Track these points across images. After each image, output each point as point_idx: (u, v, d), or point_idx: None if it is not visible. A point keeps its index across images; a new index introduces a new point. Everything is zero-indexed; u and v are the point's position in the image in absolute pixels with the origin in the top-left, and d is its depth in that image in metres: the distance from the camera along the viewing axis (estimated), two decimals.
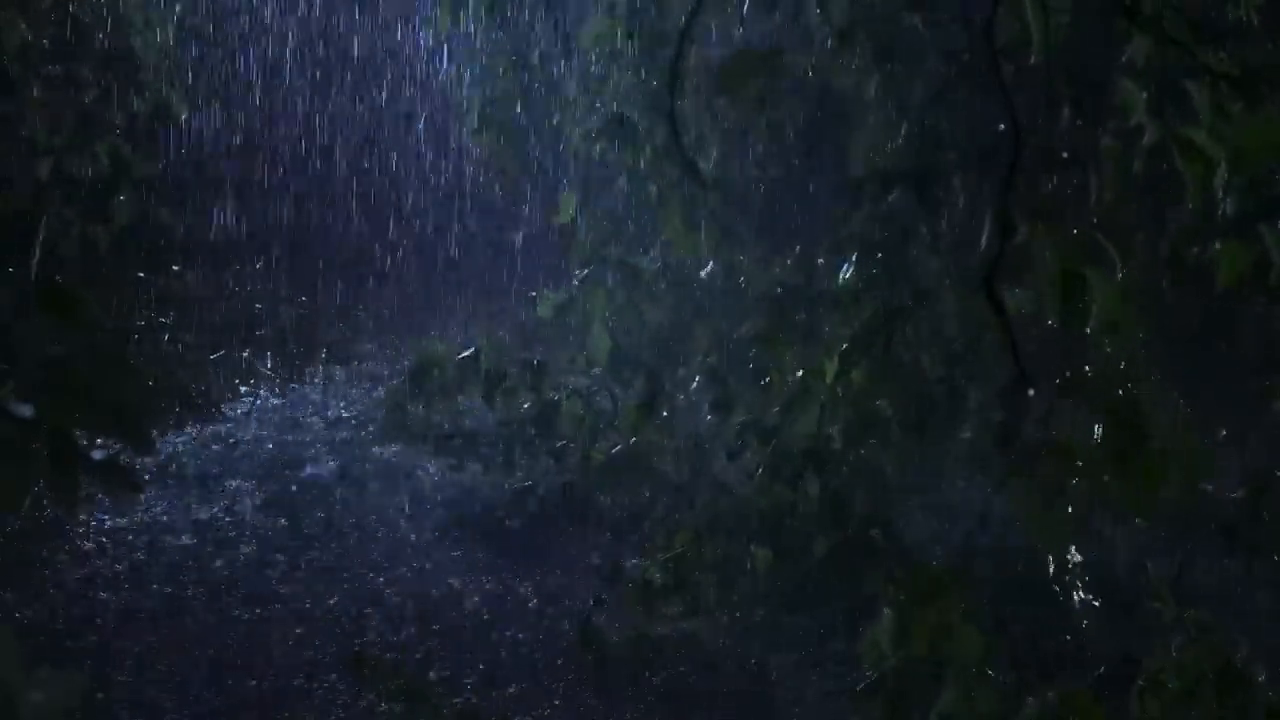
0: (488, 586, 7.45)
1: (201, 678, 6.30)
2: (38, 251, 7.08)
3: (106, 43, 7.98)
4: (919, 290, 5.93)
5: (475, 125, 9.57)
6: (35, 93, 7.49)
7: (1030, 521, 2.92)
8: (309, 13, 12.73)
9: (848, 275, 5.86)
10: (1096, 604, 6.27)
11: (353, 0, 12.87)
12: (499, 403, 8.22)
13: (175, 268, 9.84)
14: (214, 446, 9.34)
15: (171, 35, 8.74)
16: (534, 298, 8.90)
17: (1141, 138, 3.33)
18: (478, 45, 9.61)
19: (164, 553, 7.61)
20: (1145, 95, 3.20)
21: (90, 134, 7.63)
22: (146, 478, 8.26)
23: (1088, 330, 2.95)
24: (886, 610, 3.17)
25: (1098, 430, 2.90)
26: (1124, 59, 3.49)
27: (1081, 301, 2.92)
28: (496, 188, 10.67)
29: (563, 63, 9.16)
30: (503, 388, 8.12)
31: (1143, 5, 3.07)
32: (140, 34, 8.09)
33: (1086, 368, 4.14)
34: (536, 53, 9.35)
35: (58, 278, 7.04)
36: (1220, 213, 3.52)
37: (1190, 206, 3.08)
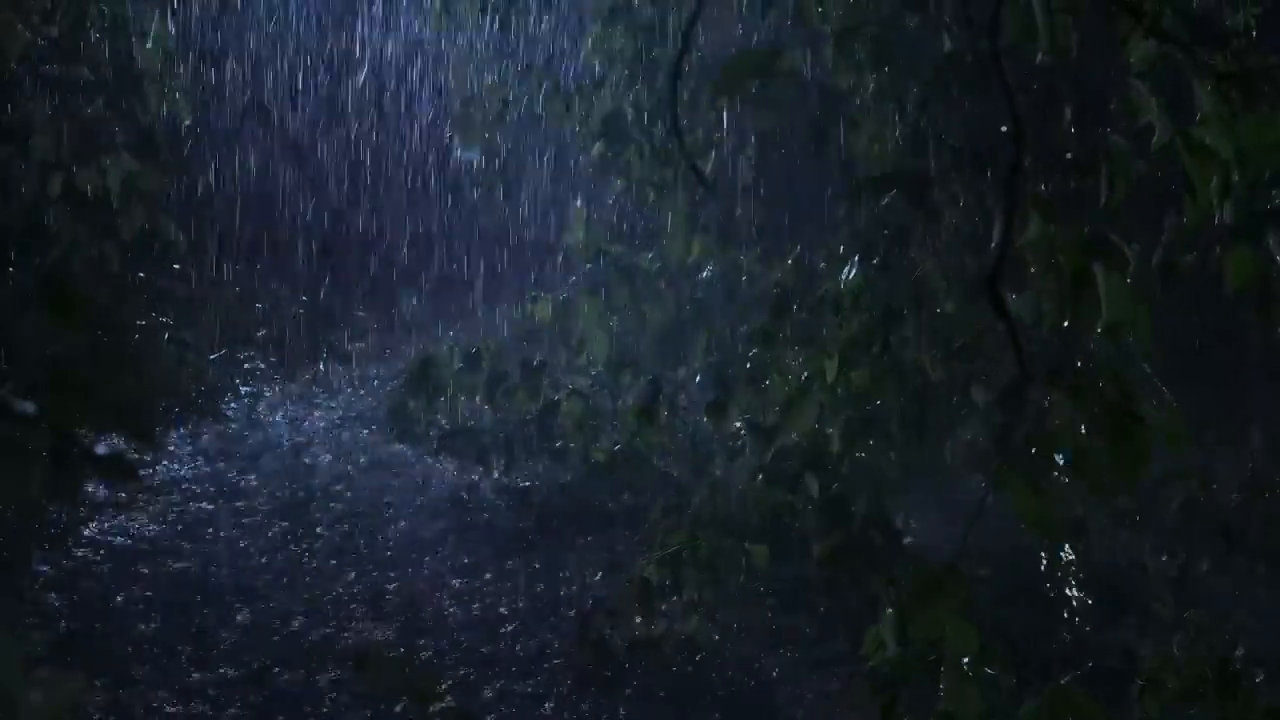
0: (488, 586, 7.45)
1: (203, 677, 6.30)
2: (46, 257, 7.10)
3: (108, 53, 7.99)
4: (919, 290, 5.94)
5: (467, 129, 9.57)
6: (39, 103, 7.50)
7: (1029, 520, 2.92)
8: (308, 15, 12.74)
9: (851, 277, 5.86)
10: (1096, 603, 6.28)
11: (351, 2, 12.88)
12: (499, 403, 8.23)
13: (175, 267, 9.85)
14: (214, 446, 9.35)
15: (173, 41, 8.74)
16: (534, 297, 8.92)
17: (1145, 140, 3.33)
18: (476, 46, 9.61)
19: (164, 553, 7.61)
20: (1149, 91, 3.20)
21: (96, 147, 7.64)
22: (149, 480, 8.27)
23: (1098, 330, 2.96)
24: (888, 609, 3.18)
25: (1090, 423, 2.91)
26: (1128, 59, 3.49)
27: (1089, 300, 2.92)
28: (496, 189, 10.67)
29: (562, 64, 9.18)
30: (503, 388, 8.13)
31: (1143, 3, 3.07)
32: (141, 42, 8.09)
33: (1081, 365, 4.15)
34: (537, 53, 9.36)
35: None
36: (1218, 220, 3.52)
37: (1196, 205, 3.07)
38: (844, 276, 5.84)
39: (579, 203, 8.73)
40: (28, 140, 7.39)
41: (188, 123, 8.98)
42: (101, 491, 7.93)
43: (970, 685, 3.08)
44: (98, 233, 7.57)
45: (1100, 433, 2.77)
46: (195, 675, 6.31)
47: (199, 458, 9.07)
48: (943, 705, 3.13)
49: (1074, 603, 6.29)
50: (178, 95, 8.48)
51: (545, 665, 6.59)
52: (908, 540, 6.13)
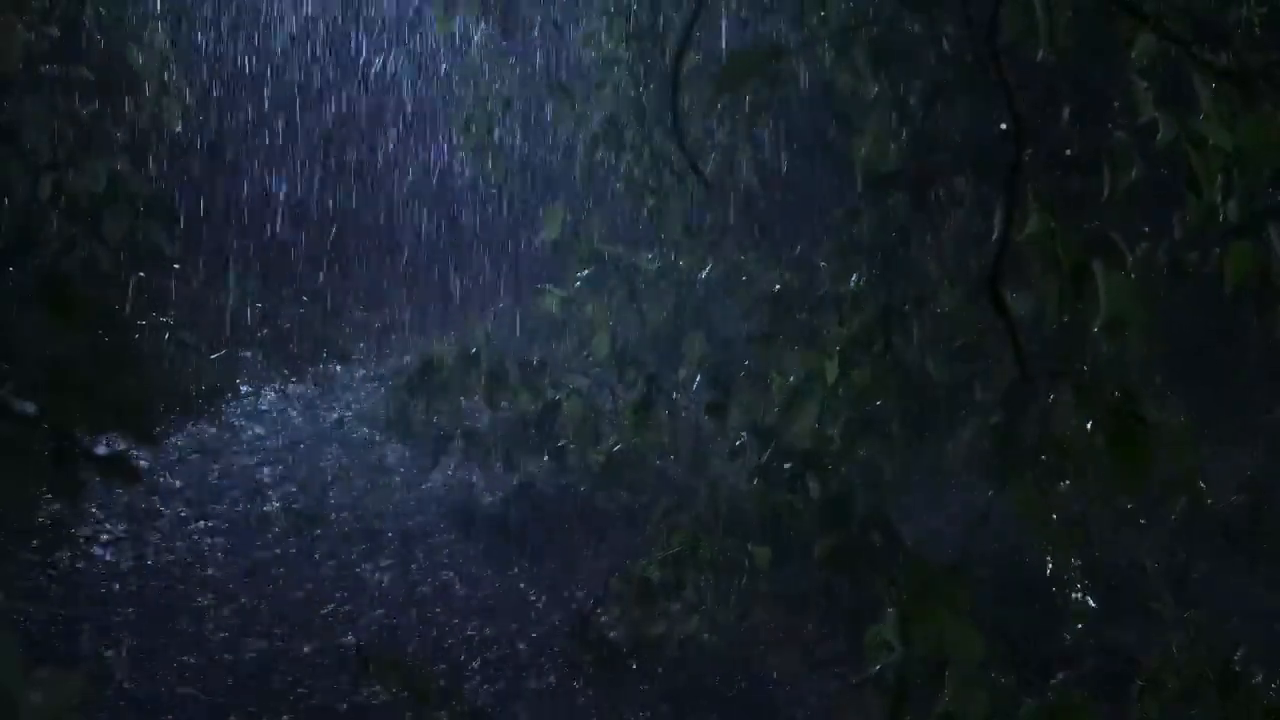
0: (488, 586, 7.45)
1: (203, 677, 6.30)
2: (42, 257, 7.11)
3: (103, 55, 7.99)
4: (919, 290, 5.93)
5: (464, 128, 9.56)
6: (35, 105, 7.50)
7: (1030, 521, 2.92)
8: (307, 14, 12.74)
9: (859, 283, 5.88)
10: (1096, 604, 6.28)
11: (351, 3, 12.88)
12: (499, 403, 8.22)
13: (176, 266, 9.85)
14: (214, 446, 9.34)
15: (167, 41, 8.72)
16: (536, 294, 8.90)
17: (1147, 137, 3.33)
18: (474, 47, 9.61)
19: (165, 552, 7.61)
20: (1149, 90, 3.20)
21: (90, 150, 7.64)
22: (149, 481, 8.26)
23: (1095, 328, 2.95)
24: (891, 609, 3.18)
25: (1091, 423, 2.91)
26: (1130, 56, 3.49)
27: (1089, 295, 2.92)
28: (496, 189, 10.67)
29: (561, 65, 9.18)
30: (503, 388, 8.12)
31: (1144, 3, 3.07)
32: (137, 44, 8.09)
33: (1085, 366, 4.15)
34: (536, 54, 9.36)
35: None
36: (1222, 217, 3.52)
37: (1201, 200, 3.07)
38: (852, 283, 5.84)
39: (555, 202, 8.71)
40: (23, 140, 7.40)
41: (179, 127, 8.97)
42: (101, 492, 7.92)
43: (976, 687, 3.07)
44: (88, 234, 7.57)
45: (1103, 434, 2.77)
46: (194, 675, 6.31)
47: (199, 458, 9.06)
48: (947, 706, 3.13)
49: (1074, 603, 6.29)
50: (170, 95, 8.47)
51: (545, 665, 6.58)
52: (908, 540, 6.13)
